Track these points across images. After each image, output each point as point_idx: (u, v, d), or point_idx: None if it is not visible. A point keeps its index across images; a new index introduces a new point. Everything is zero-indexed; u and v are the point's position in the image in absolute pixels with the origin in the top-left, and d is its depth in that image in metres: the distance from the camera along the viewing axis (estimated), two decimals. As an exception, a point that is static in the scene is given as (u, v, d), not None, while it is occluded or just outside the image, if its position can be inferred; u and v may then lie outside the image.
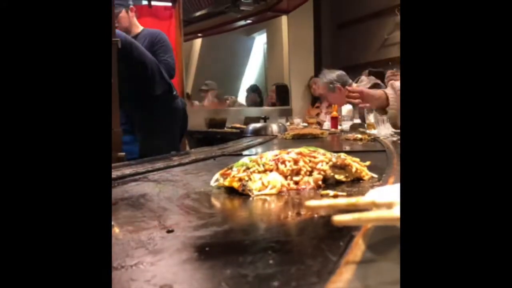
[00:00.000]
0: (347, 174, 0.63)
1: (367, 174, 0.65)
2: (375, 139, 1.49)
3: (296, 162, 0.61)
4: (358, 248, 0.32)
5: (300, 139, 1.75)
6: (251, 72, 6.18)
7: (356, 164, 0.64)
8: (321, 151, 0.66)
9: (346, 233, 0.36)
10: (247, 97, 5.20)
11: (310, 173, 0.61)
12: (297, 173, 0.61)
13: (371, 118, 2.30)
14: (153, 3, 4.07)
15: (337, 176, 0.62)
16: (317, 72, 4.47)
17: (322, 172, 0.61)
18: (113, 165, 0.96)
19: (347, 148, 1.40)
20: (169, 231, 0.40)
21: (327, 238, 0.38)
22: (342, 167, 0.62)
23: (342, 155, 0.65)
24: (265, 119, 2.32)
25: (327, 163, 0.61)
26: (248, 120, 3.09)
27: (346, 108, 2.92)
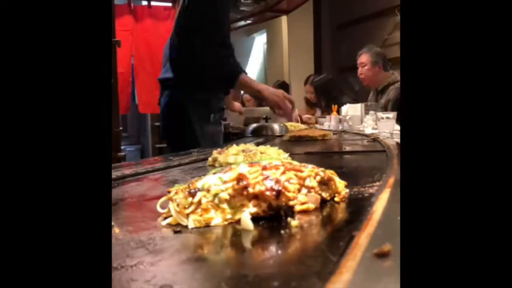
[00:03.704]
0: (330, 191, 0.52)
1: (343, 189, 0.53)
2: (375, 139, 1.49)
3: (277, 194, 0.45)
4: (358, 248, 0.32)
5: (298, 141, 1.70)
6: (251, 72, 6.18)
7: (336, 178, 0.53)
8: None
9: (346, 233, 0.36)
10: None
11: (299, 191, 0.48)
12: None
13: (368, 119, 2.30)
14: (152, 3, 4.08)
15: (324, 194, 0.51)
16: (318, 71, 4.47)
17: (312, 190, 0.49)
18: (113, 165, 0.96)
19: (347, 148, 1.40)
20: (176, 232, 0.40)
21: (327, 238, 0.38)
22: (325, 183, 0.52)
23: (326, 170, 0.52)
24: (266, 119, 2.27)
25: (314, 177, 0.50)
26: (249, 121, 3.06)
27: (346, 108, 2.91)
